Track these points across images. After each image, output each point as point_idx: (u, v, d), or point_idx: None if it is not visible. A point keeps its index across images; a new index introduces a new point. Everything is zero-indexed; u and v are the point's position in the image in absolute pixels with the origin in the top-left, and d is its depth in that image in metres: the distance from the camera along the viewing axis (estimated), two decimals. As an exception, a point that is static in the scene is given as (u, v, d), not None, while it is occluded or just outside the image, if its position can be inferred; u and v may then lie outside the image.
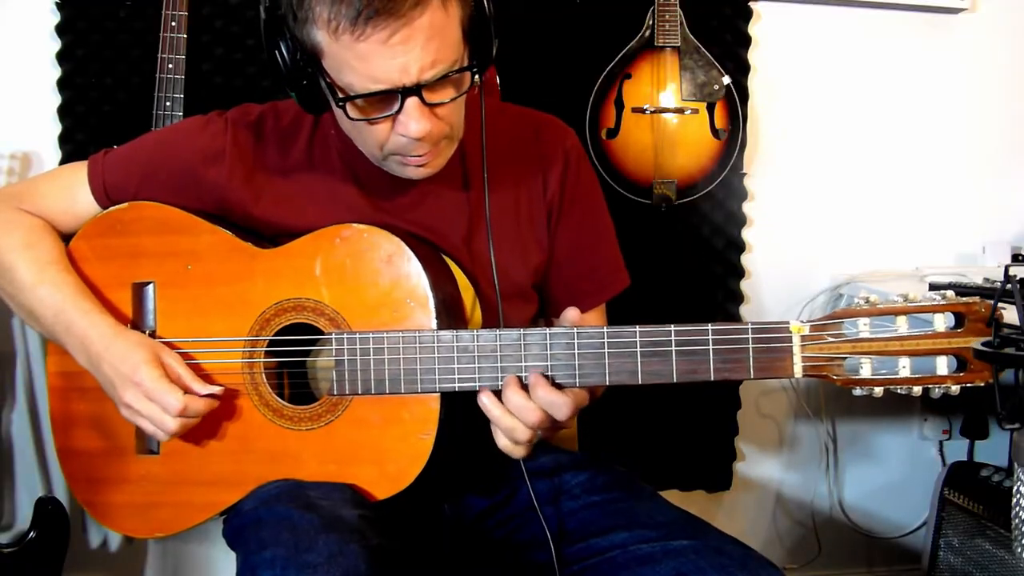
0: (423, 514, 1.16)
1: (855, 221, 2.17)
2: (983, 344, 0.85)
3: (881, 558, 2.28)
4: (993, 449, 2.08)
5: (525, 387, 0.98)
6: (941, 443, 2.23)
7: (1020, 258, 2.12)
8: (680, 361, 0.96)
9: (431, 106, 0.98)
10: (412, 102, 0.96)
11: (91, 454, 1.16)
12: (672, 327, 0.96)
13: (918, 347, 0.92)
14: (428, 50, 0.94)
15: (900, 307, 0.92)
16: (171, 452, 1.12)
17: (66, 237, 1.18)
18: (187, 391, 1.05)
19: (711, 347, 0.95)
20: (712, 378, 0.96)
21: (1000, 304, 0.88)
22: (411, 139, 0.99)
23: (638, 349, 0.97)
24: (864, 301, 0.93)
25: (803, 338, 0.94)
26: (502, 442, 1.00)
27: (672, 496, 2.07)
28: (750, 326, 0.95)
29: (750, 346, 0.95)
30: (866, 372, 0.93)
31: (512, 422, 0.98)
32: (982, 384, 0.91)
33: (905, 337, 0.92)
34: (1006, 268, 0.89)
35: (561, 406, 0.97)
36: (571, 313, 1.02)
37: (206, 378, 1.09)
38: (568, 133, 1.23)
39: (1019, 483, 0.85)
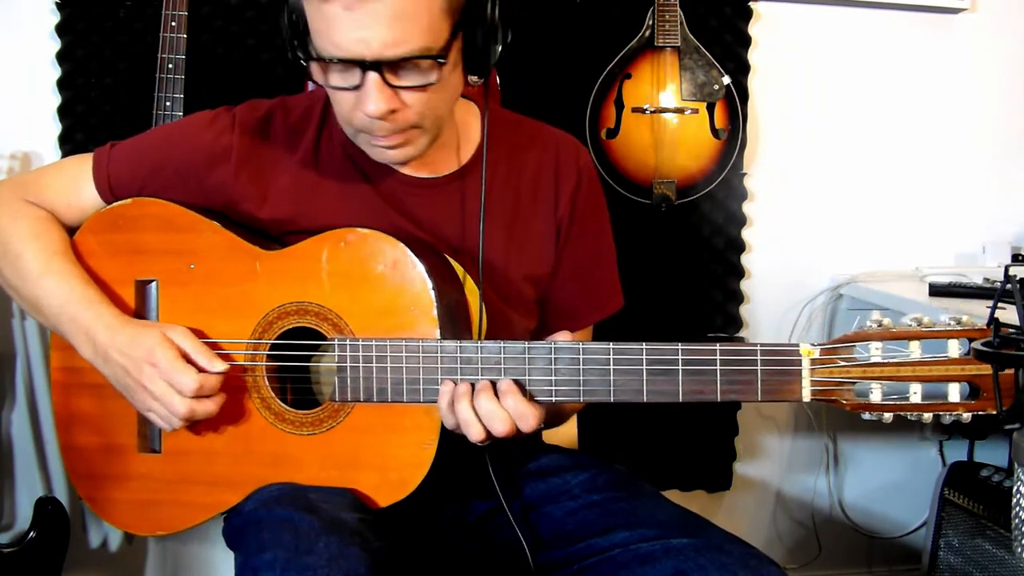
0: (425, 516, 1.16)
1: (855, 221, 2.17)
2: (983, 344, 0.85)
3: (881, 558, 2.29)
4: (993, 449, 2.08)
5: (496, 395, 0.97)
6: (941, 443, 2.23)
7: (1020, 258, 2.12)
8: (686, 381, 0.95)
9: (394, 87, 0.97)
10: (372, 78, 0.95)
11: (93, 450, 1.15)
12: (680, 345, 0.95)
13: (931, 373, 0.89)
14: (393, 28, 0.92)
15: (914, 332, 0.90)
16: (173, 451, 1.12)
17: (70, 230, 1.17)
18: (200, 370, 1.05)
19: (718, 368, 0.94)
20: (719, 399, 0.94)
21: (1000, 304, 0.88)
22: (371, 118, 0.98)
23: (644, 367, 0.95)
24: (877, 324, 0.91)
25: (813, 361, 0.92)
26: (449, 421, 0.99)
27: (672, 496, 2.04)
28: (759, 347, 0.93)
29: (758, 368, 0.93)
30: (876, 397, 0.91)
31: (472, 418, 0.97)
32: (993, 412, 0.88)
33: (918, 363, 0.90)
34: (1006, 268, 0.88)
35: (529, 417, 0.96)
36: (562, 336, 1.02)
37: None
38: (582, 152, 1.22)
39: (1019, 483, 0.85)
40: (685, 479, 2.12)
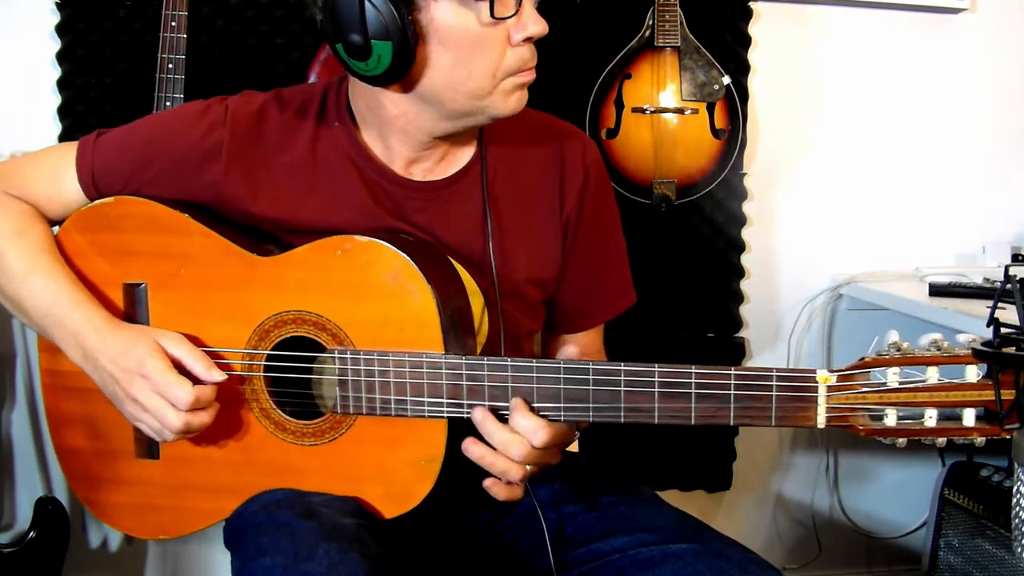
0: (426, 524, 1.15)
1: (855, 221, 2.17)
2: (983, 344, 0.85)
3: (881, 558, 2.28)
4: (993, 449, 2.07)
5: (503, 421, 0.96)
6: (941, 443, 2.23)
7: (1020, 258, 2.12)
8: (699, 406, 0.93)
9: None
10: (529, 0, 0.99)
11: (88, 453, 1.13)
12: (693, 368, 0.93)
13: (947, 398, 0.88)
14: None
15: (932, 357, 0.89)
16: (172, 458, 1.10)
17: (53, 224, 1.13)
18: (196, 381, 1.01)
19: (732, 392, 0.92)
20: (731, 423, 0.93)
21: (1000, 304, 0.88)
22: (531, 43, 1.01)
23: (656, 389, 0.94)
24: (896, 349, 0.89)
25: (829, 388, 0.90)
26: (503, 494, 0.98)
27: (672, 496, 2.06)
28: (775, 373, 0.91)
29: (773, 394, 0.91)
30: (891, 421, 0.90)
31: (505, 464, 0.96)
32: (1008, 437, 0.88)
33: (935, 388, 0.89)
34: (1006, 268, 0.88)
35: (539, 430, 0.95)
36: (571, 349, 1.00)
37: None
38: (589, 147, 1.18)
39: (1019, 483, 0.85)
40: (685, 479, 2.12)
